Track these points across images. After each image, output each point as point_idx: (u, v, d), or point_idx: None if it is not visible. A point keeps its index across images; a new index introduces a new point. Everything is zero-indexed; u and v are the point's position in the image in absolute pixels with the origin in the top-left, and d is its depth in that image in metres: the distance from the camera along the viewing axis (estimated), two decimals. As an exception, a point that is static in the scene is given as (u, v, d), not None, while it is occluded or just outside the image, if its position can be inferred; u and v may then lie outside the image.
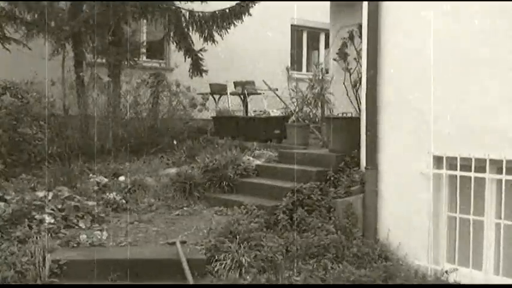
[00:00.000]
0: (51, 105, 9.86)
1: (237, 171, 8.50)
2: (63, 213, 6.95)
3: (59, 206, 7.07)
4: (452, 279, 6.06)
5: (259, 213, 7.01)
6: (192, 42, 12.07)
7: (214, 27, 11.82)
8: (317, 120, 10.56)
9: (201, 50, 12.03)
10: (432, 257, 6.37)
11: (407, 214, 6.68)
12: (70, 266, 5.71)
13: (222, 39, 12.02)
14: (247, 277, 5.75)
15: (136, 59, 11.84)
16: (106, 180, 8.48)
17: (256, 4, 11.95)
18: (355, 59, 9.37)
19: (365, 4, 7.24)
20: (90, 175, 8.68)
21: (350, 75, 9.67)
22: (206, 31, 11.82)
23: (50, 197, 7.29)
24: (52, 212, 6.89)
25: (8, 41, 10.39)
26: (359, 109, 8.58)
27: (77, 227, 6.88)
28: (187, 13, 11.77)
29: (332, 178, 7.61)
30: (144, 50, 13.37)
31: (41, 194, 7.39)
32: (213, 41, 11.93)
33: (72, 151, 9.42)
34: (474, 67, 6.06)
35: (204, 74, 12.29)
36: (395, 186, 6.90)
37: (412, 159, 6.66)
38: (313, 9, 14.83)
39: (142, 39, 13.35)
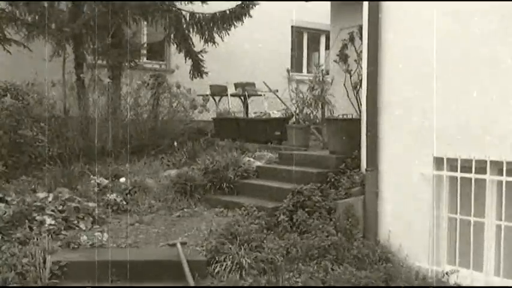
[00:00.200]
0: (51, 107, 9.86)
1: (237, 173, 8.50)
2: (63, 215, 6.94)
3: (60, 208, 7.06)
4: (453, 280, 6.06)
5: (260, 214, 7.01)
6: (193, 44, 12.09)
7: (215, 29, 11.85)
8: (317, 121, 10.55)
9: (201, 51, 12.05)
10: (433, 259, 6.37)
11: (407, 215, 6.68)
12: (71, 267, 5.71)
13: (223, 40, 12.04)
14: (248, 279, 5.75)
15: (136, 60, 11.85)
16: (106, 181, 8.48)
17: (257, 5, 11.96)
18: (355, 60, 9.38)
19: (365, 4, 7.25)
20: (91, 176, 8.67)
21: (350, 76, 9.67)
22: (206, 33, 11.85)
23: (50, 199, 7.28)
24: (53, 213, 6.88)
25: (8, 43, 10.38)
26: (359, 110, 8.59)
27: (77, 228, 6.87)
28: (188, 14, 11.79)
29: (332, 179, 7.62)
30: (144, 52, 13.39)
31: (41, 195, 7.39)
32: (214, 42, 11.95)
33: (72, 152, 9.42)
34: (474, 67, 6.07)
35: (204, 76, 12.30)
36: (395, 188, 6.90)
37: (412, 161, 6.66)
38: (313, 11, 14.83)
39: (142, 40, 13.36)
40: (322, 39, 17.28)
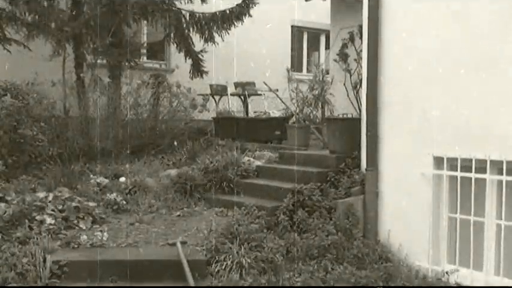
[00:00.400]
0: (51, 107, 9.85)
1: (237, 172, 8.50)
2: (63, 214, 6.95)
3: (60, 207, 7.06)
4: (453, 280, 6.06)
5: (260, 214, 7.01)
6: (193, 43, 12.08)
7: (215, 28, 11.84)
8: (317, 121, 10.55)
9: (201, 51, 12.05)
10: (433, 258, 6.37)
11: (407, 215, 6.68)
12: (70, 266, 5.71)
13: (223, 40, 12.03)
14: (248, 278, 5.75)
15: (136, 60, 11.83)
16: (106, 181, 8.49)
17: (257, 5, 11.96)
18: (355, 60, 9.37)
19: (365, 3, 7.24)
20: (91, 176, 8.69)
21: (350, 76, 9.67)
22: (206, 32, 11.84)
23: (50, 198, 7.28)
24: (52, 213, 6.89)
25: (8, 42, 10.39)
26: (359, 110, 8.58)
27: (77, 227, 6.87)
28: (188, 14, 11.78)
29: (332, 179, 7.62)
30: (144, 51, 13.38)
31: (41, 195, 7.39)
32: (214, 42, 11.94)
33: (72, 152, 9.42)
34: (475, 66, 6.06)
35: (204, 75, 12.30)
36: (395, 187, 6.90)
37: (412, 160, 6.66)
38: (313, 10, 14.81)
39: (142, 40, 13.34)
40: (322, 39, 17.28)
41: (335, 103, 9.90)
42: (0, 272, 5.46)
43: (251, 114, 12.74)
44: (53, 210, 6.95)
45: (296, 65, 16.77)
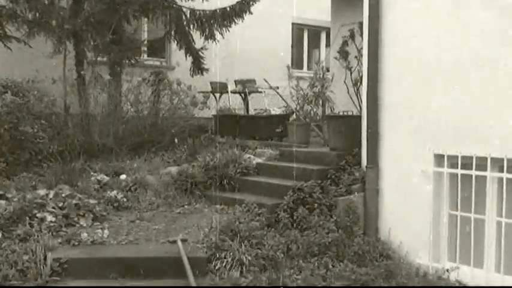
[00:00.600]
0: (52, 104, 9.85)
1: (238, 170, 8.50)
2: (64, 212, 6.95)
3: (60, 204, 7.07)
4: (453, 277, 6.06)
5: (260, 211, 7.02)
6: (193, 41, 12.08)
7: (215, 26, 11.83)
8: (318, 118, 10.55)
9: (202, 48, 12.05)
10: (433, 255, 6.37)
11: (408, 212, 6.68)
12: (71, 264, 5.73)
13: (223, 37, 12.03)
14: (248, 275, 5.75)
15: (137, 57, 11.84)
16: (107, 178, 8.49)
17: (257, 2, 11.94)
18: (356, 57, 9.36)
19: (366, 0, 7.24)
20: (91, 173, 8.69)
21: (351, 73, 9.66)
22: (207, 29, 11.84)
23: (51, 196, 7.30)
24: (53, 210, 6.90)
25: (9, 40, 10.39)
26: (360, 107, 8.58)
27: (78, 225, 6.88)
28: (188, 11, 11.78)
29: (333, 176, 7.62)
30: (145, 49, 13.39)
31: (42, 192, 7.40)
32: (214, 39, 11.94)
33: (73, 149, 9.42)
34: (475, 65, 6.06)
35: (204, 73, 12.29)
36: (396, 184, 6.90)
37: (413, 157, 6.66)
38: (313, 8, 14.82)
39: (143, 37, 13.36)
40: (323, 36, 17.27)
41: (335, 100, 9.89)
42: (0, 270, 5.47)
43: (251, 112, 12.74)
44: (53, 207, 6.96)
45: (296, 62, 16.77)
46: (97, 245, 6.28)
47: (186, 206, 7.89)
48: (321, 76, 9.97)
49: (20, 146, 8.69)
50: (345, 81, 9.73)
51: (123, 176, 8.67)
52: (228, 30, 11.98)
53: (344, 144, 7.96)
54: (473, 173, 6.07)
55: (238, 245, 6.11)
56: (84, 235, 6.42)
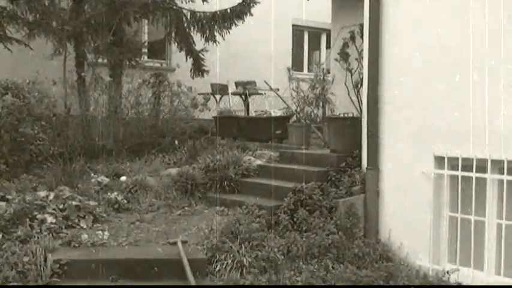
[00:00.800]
0: (52, 105, 9.85)
1: (238, 171, 8.50)
2: (64, 213, 6.95)
3: (61, 206, 7.07)
4: (453, 279, 6.05)
5: (261, 213, 7.01)
6: (194, 42, 12.08)
7: (216, 27, 11.83)
8: (318, 120, 10.56)
9: (202, 50, 12.05)
10: (433, 257, 6.37)
11: (408, 214, 6.68)
12: (71, 265, 5.72)
13: (224, 39, 12.03)
14: (248, 277, 5.75)
15: (137, 59, 11.83)
16: (107, 180, 8.49)
17: (258, 4, 11.95)
18: (356, 59, 9.37)
19: (366, 2, 7.24)
20: (92, 175, 8.68)
21: (351, 75, 9.66)
22: (207, 31, 11.84)
23: (51, 197, 7.29)
24: (53, 212, 6.89)
25: (9, 41, 10.40)
26: (360, 109, 8.58)
27: (78, 226, 6.88)
28: (189, 13, 11.78)
29: (333, 178, 7.62)
30: (145, 50, 13.39)
31: (42, 194, 7.39)
32: (215, 41, 11.94)
33: (73, 151, 9.41)
34: (476, 67, 6.06)
35: (205, 74, 12.30)
36: (396, 186, 6.90)
37: (413, 160, 6.66)
38: (314, 9, 14.81)
39: (143, 39, 13.36)
40: (323, 38, 17.27)
41: (336, 102, 9.90)
42: (1, 271, 5.47)
43: (252, 114, 12.74)
44: (53, 209, 6.95)
45: (297, 64, 16.77)
46: (97, 246, 6.27)
47: (186, 208, 7.88)
48: (322, 78, 9.99)
49: (20, 148, 8.68)
50: (345, 83, 9.73)
51: (123, 178, 8.66)
52: (229, 32, 11.99)
53: (344, 146, 7.96)
54: (474, 175, 6.07)
55: (238, 247, 6.11)
56: (85, 237, 6.42)
